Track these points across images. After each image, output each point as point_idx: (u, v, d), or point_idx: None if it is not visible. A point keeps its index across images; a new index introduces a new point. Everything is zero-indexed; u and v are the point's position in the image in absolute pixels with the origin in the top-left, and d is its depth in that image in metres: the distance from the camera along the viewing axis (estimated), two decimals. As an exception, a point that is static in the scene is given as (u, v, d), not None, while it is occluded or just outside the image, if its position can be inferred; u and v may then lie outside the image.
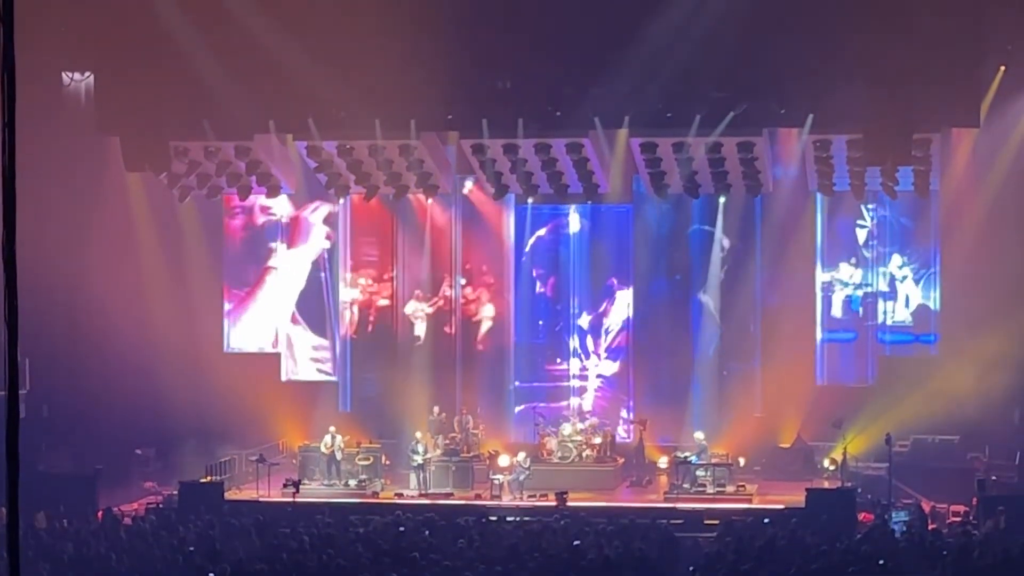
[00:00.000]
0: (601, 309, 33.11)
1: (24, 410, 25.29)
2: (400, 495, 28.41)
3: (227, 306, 33.98)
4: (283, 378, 33.83)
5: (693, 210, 32.28)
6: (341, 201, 33.03)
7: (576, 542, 22.08)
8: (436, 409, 31.49)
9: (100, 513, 25.89)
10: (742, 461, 29.58)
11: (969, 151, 30.48)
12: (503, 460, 29.46)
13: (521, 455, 28.82)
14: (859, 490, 27.31)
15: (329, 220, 33.86)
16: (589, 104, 28.60)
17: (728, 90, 27.97)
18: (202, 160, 30.58)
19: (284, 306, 33.97)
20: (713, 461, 28.57)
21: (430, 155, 30.98)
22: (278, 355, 33.97)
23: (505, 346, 33.38)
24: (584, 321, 33.15)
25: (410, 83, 27.12)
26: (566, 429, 29.92)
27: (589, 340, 33.11)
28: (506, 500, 27.87)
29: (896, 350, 32.20)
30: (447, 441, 30.01)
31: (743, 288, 32.66)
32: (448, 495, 28.30)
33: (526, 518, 25.62)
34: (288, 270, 33.98)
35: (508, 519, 25.49)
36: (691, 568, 21.26)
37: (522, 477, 28.25)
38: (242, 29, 27.32)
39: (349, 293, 33.93)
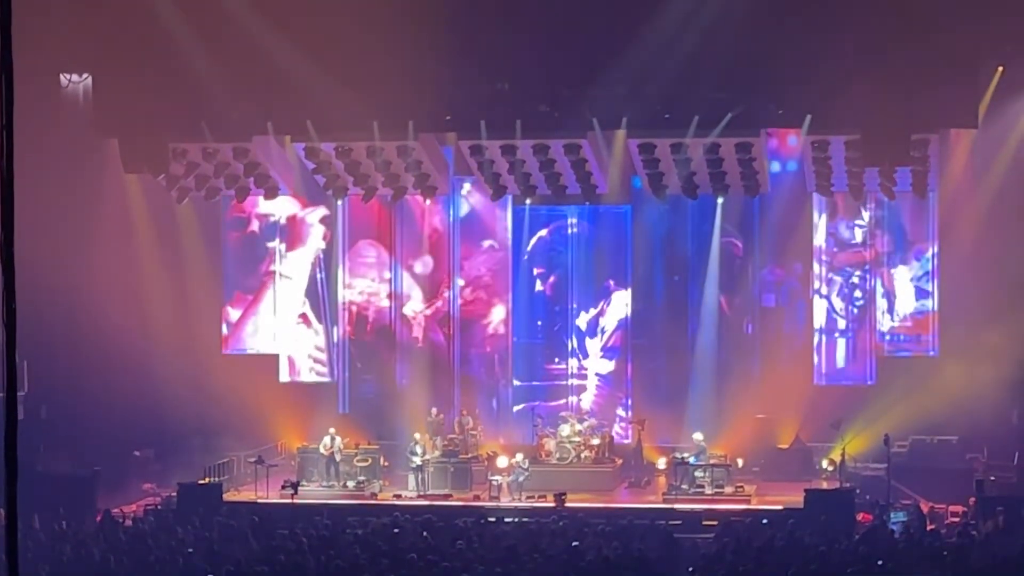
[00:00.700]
0: (598, 309, 33.12)
1: (22, 412, 25.39)
2: (398, 496, 28.42)
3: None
4: (282, 379, 33.82)
5: (691, 211, 32.28)
6: (339, 202, 33.02)
7: (575, 543, 22.08)
8: (434, 410, 31.50)
9: (99, 515, 25.86)
10: (740, 462, 29.57)
11: (967, 152, 30.50)
12: (501, 461, 29.47)
13: (519, 456, 28.83)
14: (858, 491, 27.30)
15: (325, 221, 33.85)
16: (587, 105, 28.62)
17: (726, 91, 27.98)
18: (200, 161, 30.58)
19: (289, 308, 33.96)
20: (711, 462, 28.57)
21: (428, 156, 30.98)
22: (276, 356, 33.95)
23: (503, 346, 33.39)
24: (582, 321, 33.17)
25: (408, 84, 27.13)
26: (564, 430, 29.92)
27: (587, 340, 33.12)
28: (504, 501, 27.86)
29: (894, 351, 32.21)
30: (445, 442, 30.01)
31: (741, 289, 32.68)
32: (446, 496, 28.29)
33: (525, 519, 25.61)
34: (289, 272, 33.97)
35: (506, 520, 25.49)
36: (690, 569, 21.26)
37: (521, 478, 28.25)
38: (240, 31, 27.31)
39: (347, 295, 33.92)
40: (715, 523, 25.07)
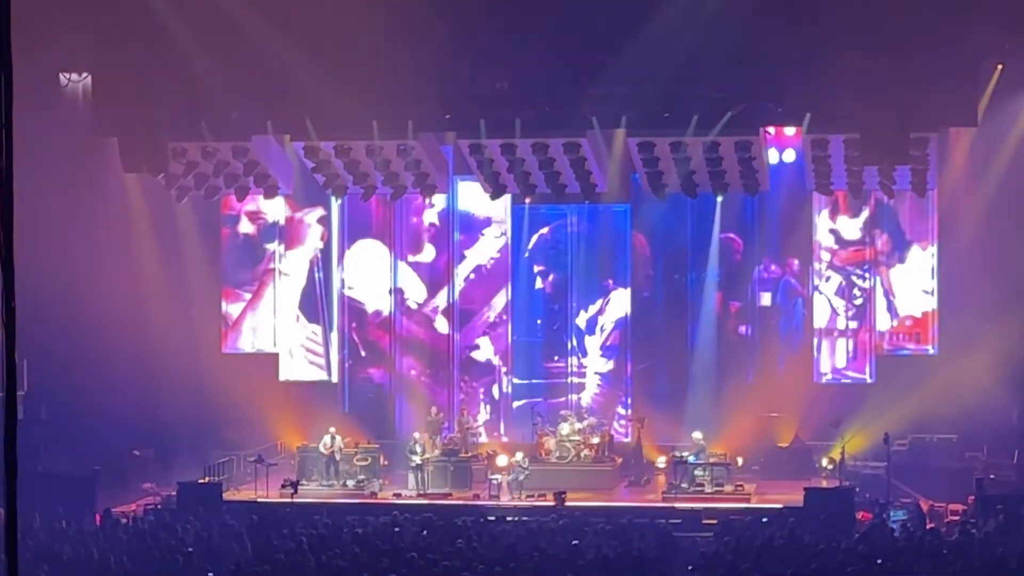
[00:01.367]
0: (597, 308, 33.12)
1: (22, 411, 25.41)
2: (398, 495, 28.41)
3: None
4: (281, 378, 33.81)
5: (691, 209, 32.29)
6: (339, 201, 33.01)
7: (574, 542, 22.07)
8: (434, 409, 31.51)
9: (99, 514, 25.86)
10: (740, 461, 29.57)
11: (967, 150, 30.52)
12: (501, 460, 29.46)
13: (519, 455, 28.82)
14: (857, 489, 27.31)
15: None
16: (586, 104, 28.61)
17: (725, 90, 27.97)
18: (200, 161, 30.57)
19: (288, 307, 33.95)
20: (711, 461, 28.57)
21: (427, 155, 30.97)
22: (276, 355, 33.96)
23: (503, 344, 33.38)
24: (581, 320, 33.17)
25: (407, 83, 27.14)
26: (564, 429, 29.91)
27: (586, 338, 33.13)
28: (504, 500, 27.86)
29: (894, 349, 32.21)
30: (445, 441, 30.01)
31: (741, 287, 32.69)
32: (446, 495, 28.29)
33: (524, 518, 25.61)
34: (287, 272, 33.97)
35: (506, 519, 25.48)
36: (689, 567, 21.27)
37: (520, 477, 28.24)
38: (239, 30, 27.32)
39: (347, 293, 33.91)
40: (715, 522, 25.07)
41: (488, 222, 33.39)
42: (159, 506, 27.68)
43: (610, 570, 20.32)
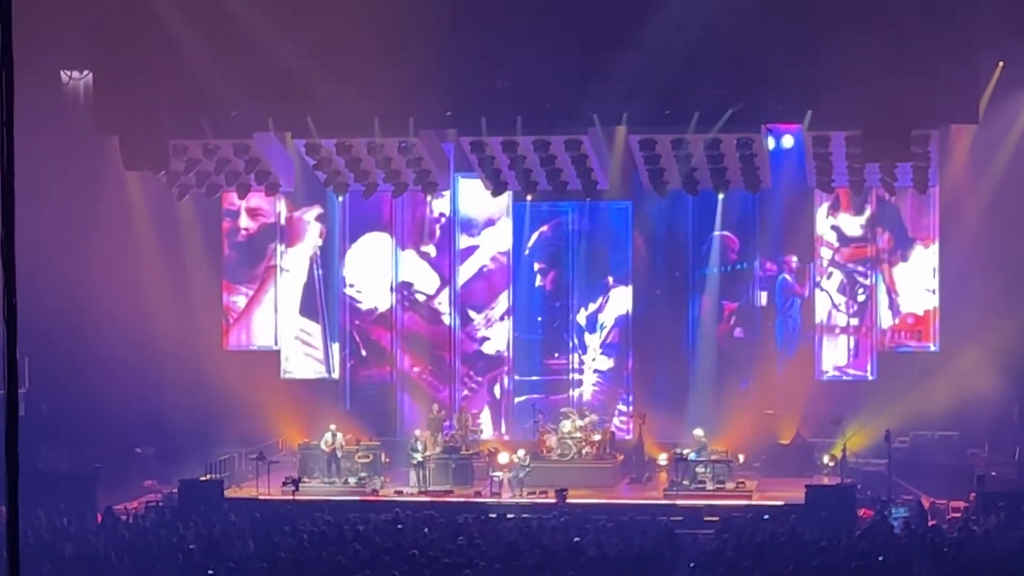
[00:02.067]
0: (597, 305, 33.12)
1: (23, 408, 25.43)
2: (400, 492, 28.43)
3: (234, 305, 33.94)
4: (283, 376, 33.81)
5: (692, 207, 32.28)
6: (340, 199, 33.00)
7: (576, 539, 22.10)
8: (435, 407, 31.53)
9: (100, 512, 25.87)
10: (741, 458, 29.55)
11: (968, 147, 30.51)
12: (503, 457, 29.48)
13: (521, 452, 28.83)
14: (859, 486, 27.32)
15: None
16: (588, 101, 28.60)
17: (726, 87, 27.96)
18: (201, 158, 30.58)
19: (289, 305, 33.96)
20: (713, 458, 28.56)
21: (429, 152, 30.98)
22: (277, 352, 33.97)
23: (505, 342, 33.37)
24: (581, 317, 33.17)
25: (408, 81, 27.12)
26: (566, 426, 29.90)
27: (586, 336, 33.12)
28: (506, 497, 27.87)
29: (895, 346, 32.21)
30: (447, 438, 30.02)
31: (742, 284, 32.68)
32: (448, 492, 28.31)
33: (526, 515, 25.61)
34: (290, 268, 33.98)
35: (508, 516, 25.49)
36: (691, 565, 21.27)
37: (522, 474, 28.25)
38: (240, 27, 27.30)
39: (348, 292, 33.90)
40: (716, 519, 25.09)
41: (490, 220, 33.37)
42: (160, 503, 27.71)
43: (611, 567, 20.33)
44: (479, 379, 33.51)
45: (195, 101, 28.49)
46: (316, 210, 33.82)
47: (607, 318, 33.09)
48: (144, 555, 21.41)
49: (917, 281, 32.10)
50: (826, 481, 28.65)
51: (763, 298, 32.62)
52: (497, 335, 33.48)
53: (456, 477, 28.95)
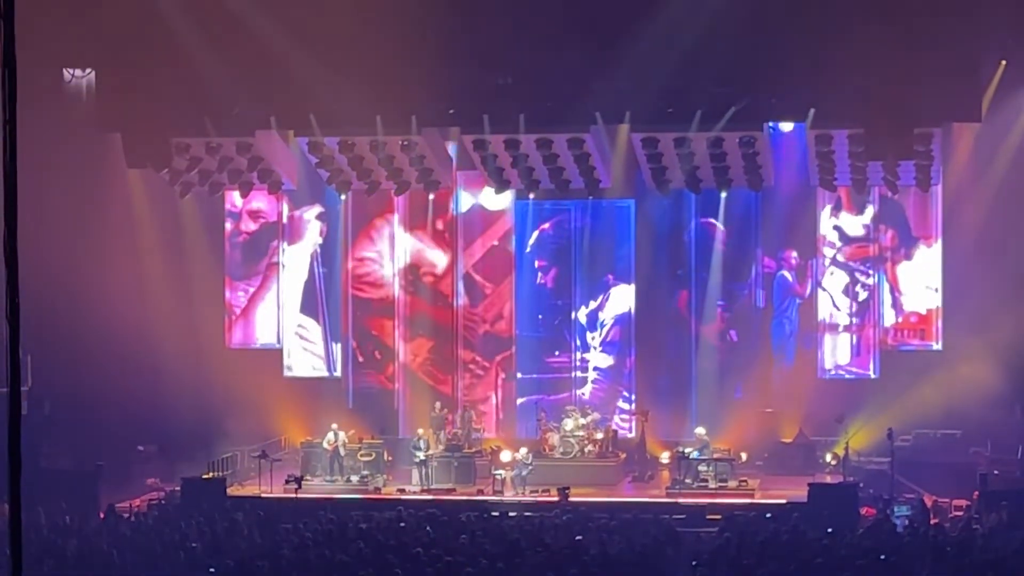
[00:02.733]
0: (597, 303, 33.11)
1: (26, 406, 25.41)
2: (402, 491, 28.43)
3: (237, 303, 33.96)
4: (286, 374, 33.82)
5: (694, 205, 32.28)
6: (343, 197, 33.00)
7: (578, 537, 22.11)
8: (438, 405, 31.54)
9: (102, 509, 25.88)
10: (744, 456, 29.57)
11: (971, 145, 30.51)
12: (505, 455, 29.49)
13: (523, 450, 28.84)
14: (861, 485, 27.30)
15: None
16: (590, 99, 28.57)
17: (729, 85, 27.96)
18: (203, 156, 30.59)
19: (291, 303, 33.97)
20: (715, 456, 28.56)
21: (431, 150, 30.99)
22: (280, 351, 33.98)
23: (507, 340, 33.37)
24: (582, 315, 33.16)
25: (411, 79, 27.11)
26: (568, 424, 29.91)
27: (587, 334, 33.10)
28: (508, 495, 27.87)
29: (898, 344, 32.20)
30: (449, 437, 30.02)
31: (745, 283, 32.66)
32: (450, 491, 28.31)
33: (528, 513, 25.63)
34: (291, 266, 33.99)
35: (510, 514, 25.48)
36: (693, 563, 21.25)
37: (524, 472, 28.25)
38: (243, 25, 27.33)
39: (350, 289, 33.90)
40: (719, 517, 25.06)
41: (491, 219, 33.34)
42: (163, 501, 27.72)
43: (614, 566, 20.32)
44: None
45: (197, 99, 28.51)
46: (317, 209, 33.81)
47: (607, 316, 33.08)
48: (146, 553, 21.42)
49: (920, 279, 32.08)
50: (828, 479, 28.65)
51: (767, 295, 32.57)
52: (500, 332, 33.41)
53: (458, 475, 28.96)
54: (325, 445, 29.27)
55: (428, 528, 22.88)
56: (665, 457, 30.09)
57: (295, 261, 34.02)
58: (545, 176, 30.72)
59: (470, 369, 33.51)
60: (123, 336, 30.50)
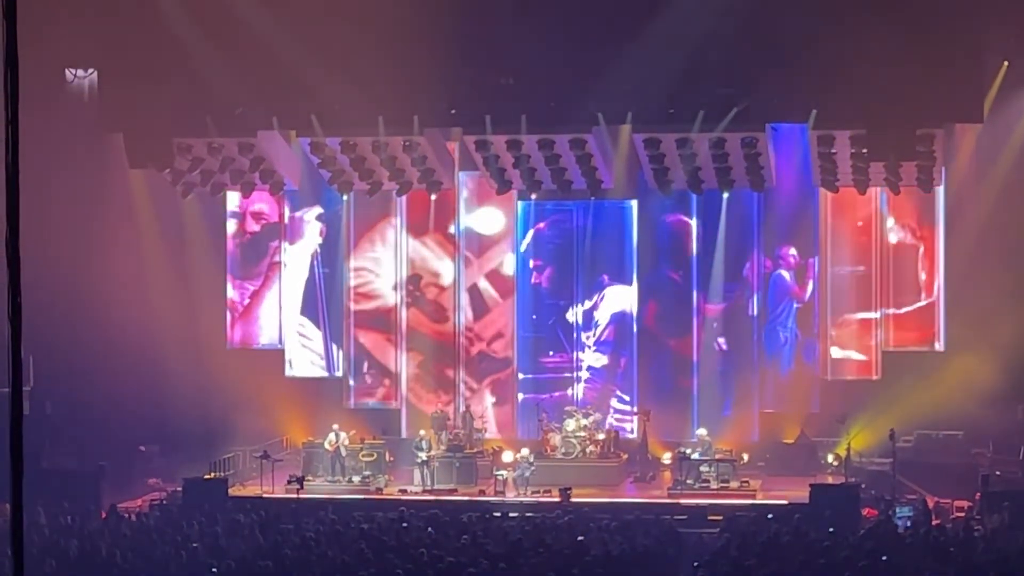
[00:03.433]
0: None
1: (28, 407, 25.39)
2: (404, 491, 28.43)
3: (238, 304, 33.96)
4: (287, 374, 33.81)
5: (696, 205, 32.26)
6: (344, 197, 32.99)
7: (580, 538, 22.09)
8: (439, 405, 31.51)
9: (104, 510, 25.88)
10: (745, 457, 29.57)
11: (973, 146, 30.53)
12: (507, 456, 29.49)
13: (525, 451, 28.85)
14: (863, 485, 27.29)
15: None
16: (592, 100, 28.59)
17: (731, 86, 27.97)
18: (205, 156, 30.59)
19: (292, 304, 33.96)
20: (717, 457, 28.57)
21: (433, 151, 30.99)
22: (281, 351, 33.98)
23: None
24: (577, 314, 33.11)
25: (413, 79, 27.14)
26: (570, 425, 29.91)
27: (583, 334, 33.07)
28: (510, 496, 27.87)
29: (900, 345, 32.18)
30: (451, 437, 30.02)
31: (746, 283, 32.64)
32: (452, 491, 28.31)
33: (530, 514, 25.62)
34: (292, 269, 33.98)
35: (512, 515, 25.48)
36: (695, 564, 21.26)
37: (526, 473, 28.25)
38: (245, 26, 27.34)
39: (351, 289, 33.89)
40: (720, 518, 25.08)
41: (492, 218, 33.32)
42: (164, 502, 27.72)
43: (615, 566, 20.32)
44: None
45: (200, 99, 28.52)
46: (316, 210, 33.80)
47: (602, 316, 33.05)
48: (148, 553, 21.41)
49: (921, 280, 32.05)
50: (830, 480, 28.64)
51: (768, 295, 32.52)
52: (500, 332, 33.39)
53: (460, 476, 28.95)
54: (327, 446, 29.28)
55: (430, 529, 22.88)
56: (667, 458, 30.10)
57: (296, 261, 34.01)
58: (547, 176, 30.72)
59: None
60: (125, 336, 30.51)
